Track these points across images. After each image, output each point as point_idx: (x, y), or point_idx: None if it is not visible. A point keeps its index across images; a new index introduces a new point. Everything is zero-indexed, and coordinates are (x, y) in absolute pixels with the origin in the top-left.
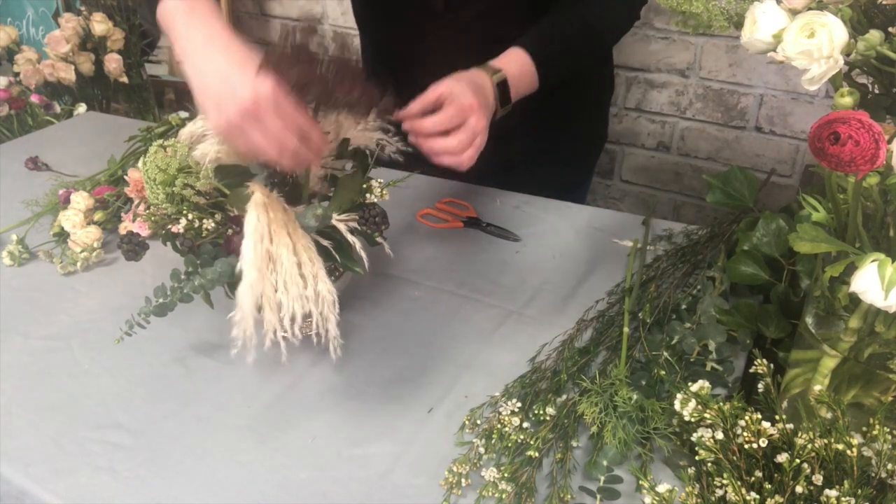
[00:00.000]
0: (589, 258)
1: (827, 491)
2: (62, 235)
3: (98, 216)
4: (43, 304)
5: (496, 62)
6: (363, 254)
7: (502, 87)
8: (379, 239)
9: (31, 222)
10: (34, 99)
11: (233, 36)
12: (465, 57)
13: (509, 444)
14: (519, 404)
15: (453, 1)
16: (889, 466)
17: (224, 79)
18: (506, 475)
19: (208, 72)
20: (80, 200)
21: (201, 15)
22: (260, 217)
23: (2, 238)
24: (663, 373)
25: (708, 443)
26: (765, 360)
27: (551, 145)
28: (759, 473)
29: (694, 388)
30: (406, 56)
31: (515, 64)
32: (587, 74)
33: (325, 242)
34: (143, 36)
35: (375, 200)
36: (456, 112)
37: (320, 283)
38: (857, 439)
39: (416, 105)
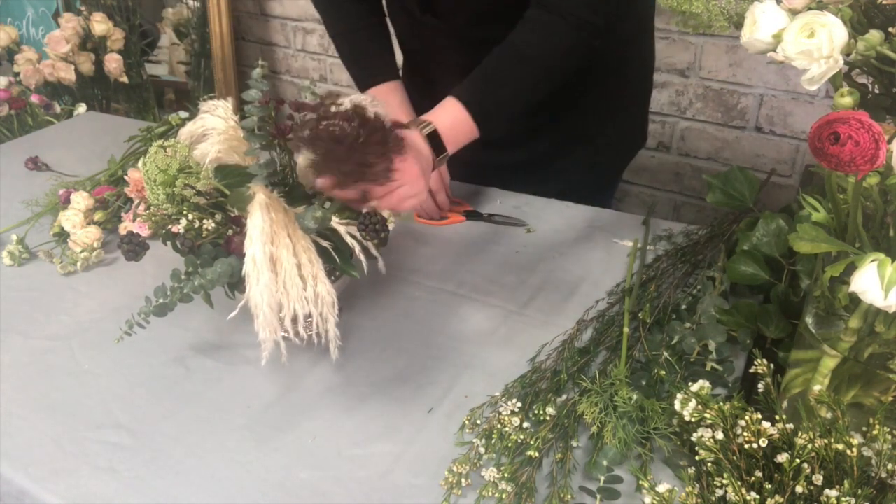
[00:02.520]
0: (589, 258)
1: (827, 491)
2: (62, 235)
3: (98, 216)
4: (43, 304)
5: (429, 115)
6: (362, 257)
7: (434, 136)
8: (375, 253)
9: (31, 222)
10: (34, 99)
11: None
12: (458, 60)
13: (509, 444)
14: (519, 404)
15: (427, 7)
16: (889, 466)
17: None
18: (506, 475)
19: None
20: (80, 200)
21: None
22: (265, 218)
23: (2, 238)
24: (663, 373)
25: (708, 443)
26: (765, 360)
27: (576, 146)
28: (759, 473)
29: (694, 388)
30: (418, 59)
31: (449, 115)
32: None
33: (325, 243)
34: (143, 36)
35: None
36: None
37: (319, 284)
38: (857, 439)
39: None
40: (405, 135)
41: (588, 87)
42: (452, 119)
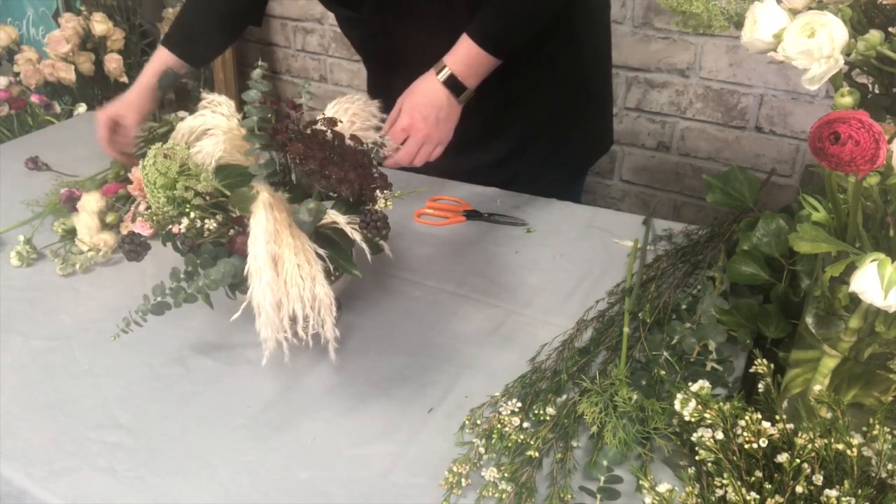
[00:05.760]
0: (589, 258)
1: (827, 491)
2: (68, 236)
3: (111, 218)
4: (43, 304)
5: (445, 58)
6: (366, 249)
7: (453, 80)
8: (381, 242)
9: (32, 223)
10: (34, 99)
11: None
12: (413, 49)
13: (509, 444)
14: (519, 404)
15: (362, 9)
16: (889, 466)
17: None
18: (506, 475)
19: None
20: (93, 202)
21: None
22: (269, 217)
23: (2, 238)
24: (663, 373)
25: (708, 443)
26: (765, 360)
27: (535, 148)
28: (759, 473)
29: (694, 388)
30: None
31: (462, 54)
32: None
33: (321, 251)
34: (143, 36)
35: (379, 209)
36: (398, 135)
37: (318, 285)
38: (857, 439)
39: (386, 128)
40: (424, 85)
41: (543, 87)
42: (466, 56)
